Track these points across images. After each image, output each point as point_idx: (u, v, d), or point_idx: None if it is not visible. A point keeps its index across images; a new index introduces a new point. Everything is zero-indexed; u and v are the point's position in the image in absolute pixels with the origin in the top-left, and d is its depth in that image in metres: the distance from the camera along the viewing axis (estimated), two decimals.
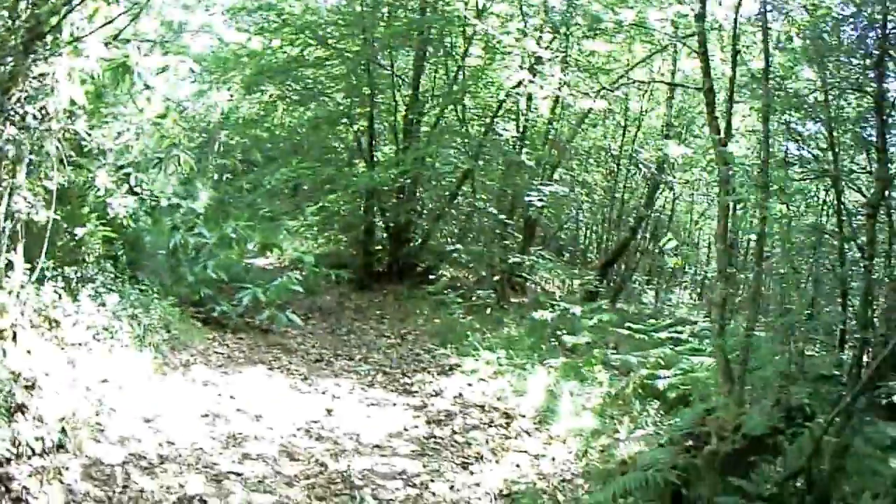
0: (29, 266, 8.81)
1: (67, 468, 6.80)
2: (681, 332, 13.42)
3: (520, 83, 16.50)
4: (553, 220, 22.86)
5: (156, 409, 8.59)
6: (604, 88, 16.55)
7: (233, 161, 21.95)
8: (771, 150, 11.48)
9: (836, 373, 10.33)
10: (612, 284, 21.15)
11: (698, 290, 26.25)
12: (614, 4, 16.07)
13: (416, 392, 11.02)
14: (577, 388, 10.76)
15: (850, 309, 11.03)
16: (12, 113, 8.43)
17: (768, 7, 10.87)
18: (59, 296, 9.29)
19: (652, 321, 14.20)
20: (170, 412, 8.63)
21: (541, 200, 16.91)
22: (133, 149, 11.70)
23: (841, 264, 10.95)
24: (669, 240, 19.97)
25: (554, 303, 14.62)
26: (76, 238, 10.53)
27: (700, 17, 10.78)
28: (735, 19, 10.86)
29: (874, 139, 10.30)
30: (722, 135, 10.27)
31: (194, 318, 12.56)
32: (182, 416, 8.64)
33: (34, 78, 8.58)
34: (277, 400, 9.90)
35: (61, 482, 6.59)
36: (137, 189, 12.04)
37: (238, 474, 7.63)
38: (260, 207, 18.59)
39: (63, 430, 7.21)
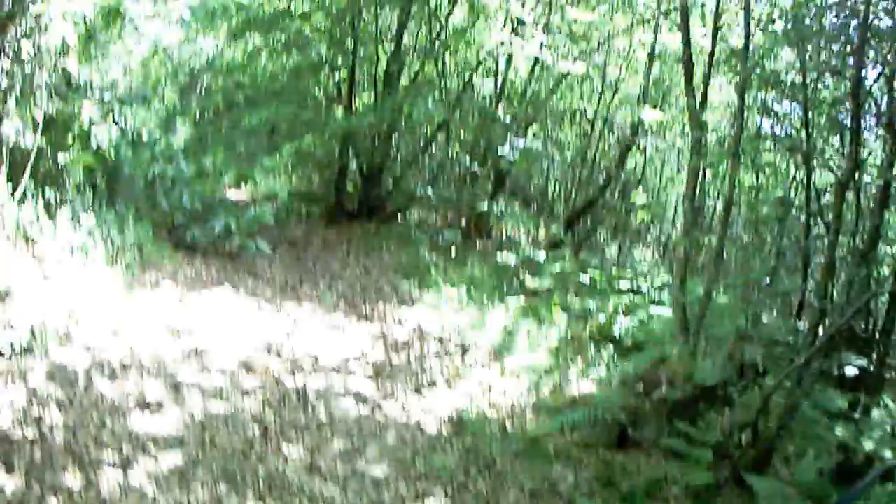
0: (12, 187, 8.93)
1: (33, 369, 6.87)
2: (641, 284, 13.41)
3: (500, 44, 16.46)
4: (524, 172, 22.78)
5: (123, 321, 8.58)
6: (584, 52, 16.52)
7: (215, 102, 21.79)
8: (745, 124, 11.57)
9: (791, 340, 10.42)
10: (576, 237, 21.16)
11: (661, 249, 26.38)
12: None
13: (377, 320, 10.96)
14: (535, 328, 10.80)
15: (811, 280, 11.14)
16: (7, 48, 8.78)
17: None
18: (38, 217, 9.40)
19: (614, 272, 14.10)
20: (136, 325, 8.61)
21: (513, 153, 16.86)
22: (119, 85, 11.66)
23: (805, 237, 11.04)
24: (638, 195, 19.98)
25: (518, 248, 14.60)
26: (59, 164, 10.56)
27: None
28: None
29: (848, 122, 10.42)
30: (697, 101, 10.28)
31: (166, 241, 12.45)
32: (147, 330, 8.61)
33: (32, 16, 8.81)
34: (241, 319, 9.84)
35: (26, 384, 6.63)
36: (121, 122, 11.91)
37: (196, 384, 7.63)
38: (237, 145, 18.45)
39: (32, 336, 7.31)
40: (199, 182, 13.78)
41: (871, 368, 9.82)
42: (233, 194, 17.73)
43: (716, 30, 10.95)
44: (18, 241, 9.08)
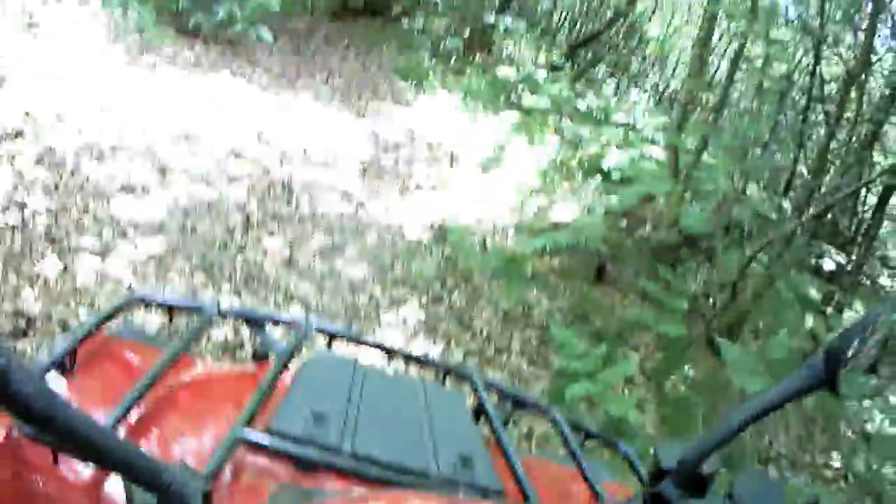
0: None
1: (22, 153, 6.61)
2: (638, 121, 12.92)
3: None
4: None
5: (117, 102, 8.24)
6: None
7: None
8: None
9: (773, 217, 10.30)
10: (577, 66, 20.78)
11: (658, 95, 26.08)
12: None
13: (371, 118, 10.68)
14: (526, 146, 10.47)
15: (803, 163, 10.95)
16: None
17: None
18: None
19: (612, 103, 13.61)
20: (129, 106, 8.28)
21: None
22: None
23: (803, 120, 10.77)
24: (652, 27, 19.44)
25: (519, 65, 14.17)
26: None
27: None
28: None
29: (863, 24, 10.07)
30: None
31: (169, 25, 12.00)
32: (140, 111, 8.29)
33: None
34: (236, 106, 9.51)
35: (13, 167, 6.39)
36: None
37: (184, 169, 7.43)
38: None
39: (26, 117, 7.10)
40: None
41: (849, 268, 9.79)
42: None
43: None
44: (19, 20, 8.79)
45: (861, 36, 10.11)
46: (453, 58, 15.03)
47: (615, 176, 10.09)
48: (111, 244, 5.77)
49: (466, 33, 16.65)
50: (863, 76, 9.78)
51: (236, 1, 12.26)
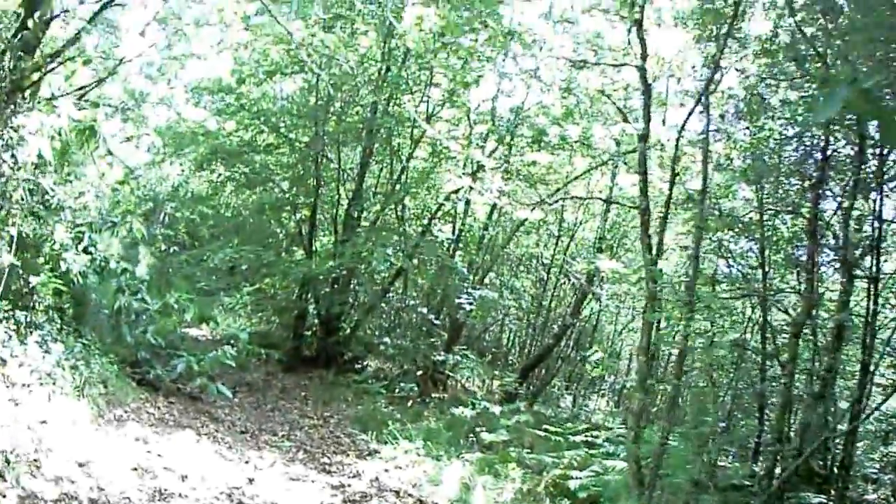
0: None
1: (5, 496, 7.05)
2: (596, 437, 13.81)
3: (459, 189, 16.97)
4: (479, 322, 23.32)
5: (90, 455, 8.79)
6: (543, 201, 17.01)
7: (178, 233, 22.16)
8: (702, 266, 12.07)
9: (748, 483, 10.89)
10: (531, 388, 21.56)
11: (616, 398, 26.64)
12: (560, 120, 16.77)
13: (335, 472, 11.23)
14: (492, 482, 11.10)
15: (767, 423, 11.61)
16: None
17: (711, 128, 11.51)
18: (10, 336, 9.61)
19: (569, 425, 14.47)
20: (102, 461, 8.82)
21: (470, 304, 17.47)
22: (90, 209, 11.99)
23: (762, 380, 11.56)
24: (595, 351, 20.49)
25: (474, 401, 15.13)
26: (30, 286, 10.80)
27: (643, 137, 11.27)
28: (677, 141, 11.33)
29: (805, 259, 11.03)
30: (653, 252, 10.83)
31: (130, 377, 12.85)
32: (113, 466, 8.81)
33: (12, 129, 9.00)
34: (203, 463, 10.08)
35: None
36: (91, 248, 12.32)
37: None
38: (199, 281, 19.10)
39: (5, 461, 7.51)
40: (162, 318, 14.20)
41: None
42: (194, 330, 18.16)
43: (673, 174, 11.56)
44: None
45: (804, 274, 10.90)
46: (409, 402, 15.91)
47: (582, 495, 10.86)
48: None
49: (419, 372, 17.61)
50: (811, 314, 10.58)
51: (193, 355, 13.25)
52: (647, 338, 10.91)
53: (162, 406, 12.31)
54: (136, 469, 9.11)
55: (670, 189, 11.38)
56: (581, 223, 22.95)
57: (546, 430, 13.60)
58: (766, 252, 12.01)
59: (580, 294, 22.04)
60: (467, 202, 18.89)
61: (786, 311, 12.22)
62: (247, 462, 10.80)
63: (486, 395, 18.99)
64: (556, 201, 19.07)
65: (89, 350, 11.69)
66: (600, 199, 18.91)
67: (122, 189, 12.89)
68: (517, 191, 18.21)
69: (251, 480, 9.95)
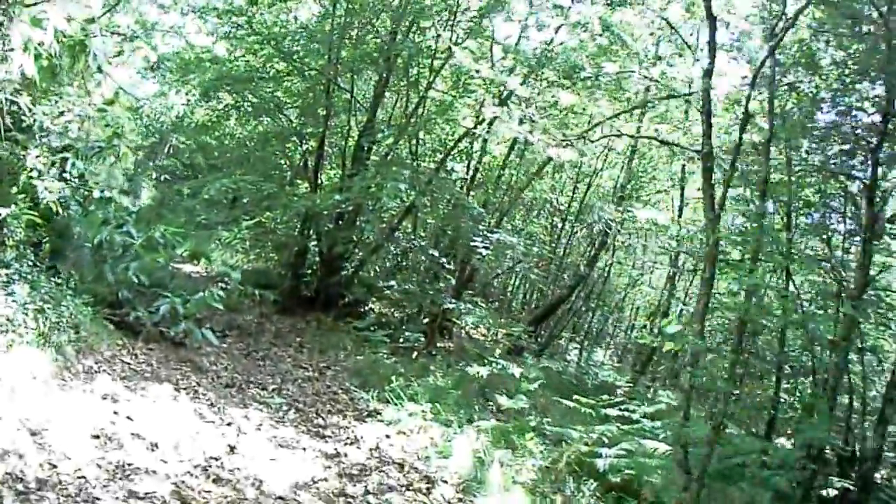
0: None
1: None
2: (632, 411, 11.93)
3: (480, 123, 15.99)
4: (490, 268, 22.29)
5: (47, 420, 7.42)
6: (582, 136, 15.77)
7: (177, 163, 21.39)
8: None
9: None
10: (538, 339, 20.45)
11: (619, 351, 26.70)
12: (597, 56, 15.42)
13: (330, 437, 9.76)
14: (509, 457, 9.62)
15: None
16: None
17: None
18: None
19: (605, 397, 12.55)
20: (61, 426, 7.44)
21: (486, 248, 16.01)
22: (72, 132, 10.77)
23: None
24: (669, 322, 19.23)
25: (490, 359, 13.48)
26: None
27: (708, 72, 10.15)
28: (753, 80, 10.09)
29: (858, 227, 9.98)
30: (716, 209, 9.51)
31: (108, 319, 11.44)
32: (73, 434, 7.42)
33: None
34: (179, 426, 8.60)
35: None
36: (68, 175, 10.99)
37: None
38: (197, 214, 17.77)
39: None
40: (149, 253, 12.65)
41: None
42: (186, 266, 16.81)
43: (746, 117, 10.31)
44: None
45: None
46: (414, 354, 14.52)
47: (613, 478, 9.35)
48: None
49: (426, 320, 16.27)
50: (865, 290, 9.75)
51: (179, 297, 11.81)
52: (705, 302, 9.48)
53: (140, 354, 10.87)
54: (98, 437, 7.68)
55: (740, 135, 9.84)
56: (598, 171, 21.75)
57: (577, 402, 11.62)
58: (793, 216, 10.91)
59: (599, 243, 20.93)
60: (485, 141, 17.84)
61: (839, 283, 10.92)
62: (229, 424, 9.30)
63: (492, 344, 18.08)
64: (601, 137, 17.59)
65: (62, 290, 10.29)
66: (654, 137, 16.95)
67: (112, 109, 11.48)
68: (547, 128, 16.53)
69: (232, 448, 8.52)
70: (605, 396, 12.02)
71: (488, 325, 18.98)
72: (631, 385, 17.63)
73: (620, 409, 11.42)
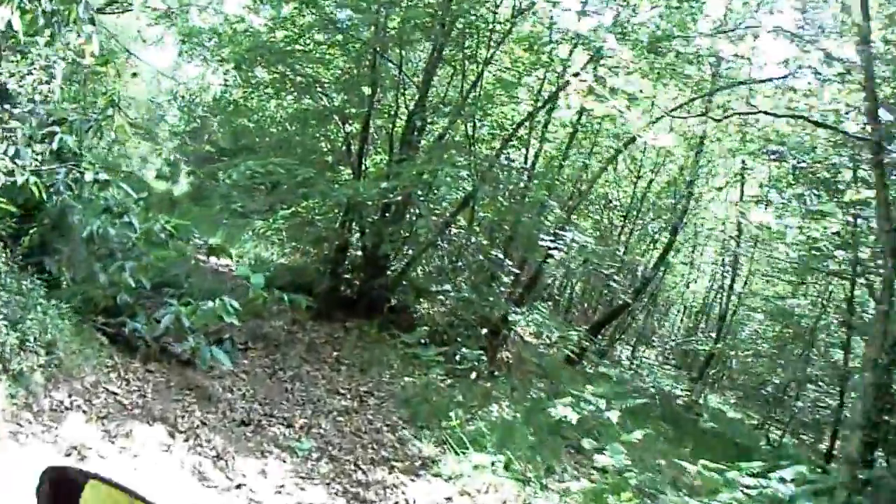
0: None
1: None
2: (769, 475, 8.92)
3: (548, 101, 14.62)
4: (554, 270, 20.69)
5: None
6: (705, 115, 13.48)
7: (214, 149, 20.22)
8: None
9: None
10: (597, 346, 19.15)
11: (666, 351, 26.22)
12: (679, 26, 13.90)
13: (374, 502, 7.23)
14: None
15: None
16: None
17: None
18: None
19: (743, 464, 9.40)
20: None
21: (559, 249, 13.69)
22: (45, 94, 8.35)
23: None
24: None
25: (577, 394, 10.61)
26: None
27: (865, 38, 7.82)
28: None
29: None
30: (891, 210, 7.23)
31: (100, 330, 9.06)
32: None
33: None
34: (166, 497, 6.11)
35: None
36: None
37: None
38: (234, 200, 15.83)
39: None
40: (152, 249, 10.33)
41: None
42: (213, 259, 14.85)
43: None
44: None
45: None
46: (474, 376, 12.10)
47: None
48: None
49: (484, 331, 13.91)
50: None
51: (185, 307, 9.38)
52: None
53: (133, 379, 8.36)
54: None
55: None
56: (662, 163, 20.77)
57: (705, 468, 8.83)
58: None
59: (666, 244, 19.97)
60: (546, 123, 15.87)
61: None
62: (239, 486, 6.70)
63: (548, 349, 16.76)
64: (732, 114, 15.21)
65: (35, 294, 7.92)
66: (803, 117, 13.82)
67: (105, 72, 9.26)
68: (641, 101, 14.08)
69: None
70: (742, 464, 9.07)
71: (551, 331, 16.57)
72: (688, 392, 17.67)
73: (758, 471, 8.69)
